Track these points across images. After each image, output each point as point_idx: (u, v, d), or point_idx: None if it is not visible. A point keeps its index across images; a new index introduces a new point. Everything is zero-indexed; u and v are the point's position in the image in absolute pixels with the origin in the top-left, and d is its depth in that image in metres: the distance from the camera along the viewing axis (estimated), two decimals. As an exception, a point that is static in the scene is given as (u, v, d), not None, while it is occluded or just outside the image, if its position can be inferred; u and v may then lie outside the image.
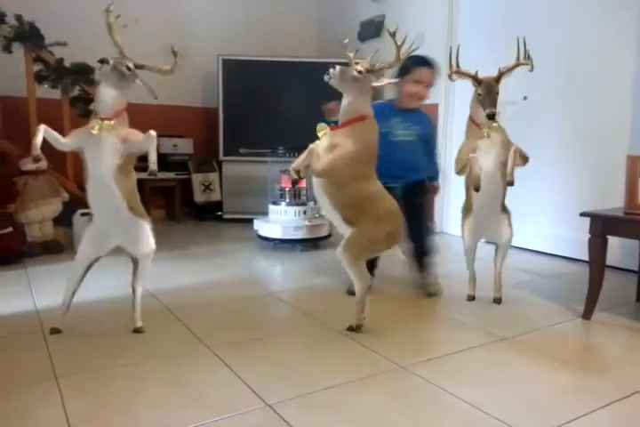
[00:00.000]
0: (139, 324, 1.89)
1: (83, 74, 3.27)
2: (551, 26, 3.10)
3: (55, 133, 1.73)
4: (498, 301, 2.23)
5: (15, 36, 3.07)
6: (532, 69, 1.95)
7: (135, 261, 1.86)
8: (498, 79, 1.96)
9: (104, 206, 1.79)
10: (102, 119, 1.71)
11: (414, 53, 2.09)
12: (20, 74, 3.18)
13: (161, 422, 1.31)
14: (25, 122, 3.20)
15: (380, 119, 2.20)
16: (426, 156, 2.43)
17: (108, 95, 1.74)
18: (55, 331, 1.87)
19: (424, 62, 2.30)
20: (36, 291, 2.36)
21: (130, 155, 1.76)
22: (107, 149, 1.71)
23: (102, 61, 1.71)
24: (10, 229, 2.86)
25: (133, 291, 1.88)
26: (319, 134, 1.80)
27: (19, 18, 3.07)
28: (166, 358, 1.69)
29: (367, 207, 1.80)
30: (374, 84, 1.81)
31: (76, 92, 3.41)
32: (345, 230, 1.85)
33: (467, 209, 2.17)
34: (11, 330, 1.92)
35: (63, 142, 1.74)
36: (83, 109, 3.33)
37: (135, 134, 1.76)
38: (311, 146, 1.78)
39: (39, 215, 3.05)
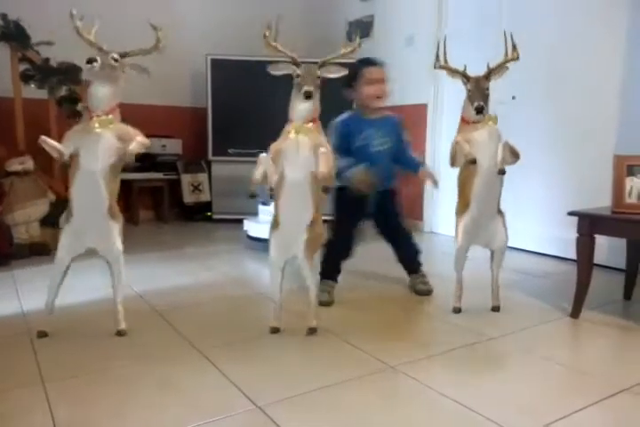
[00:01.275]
0: (121, 326, 1.87)
1: (69, 74, 3.23)
2: (539, 25, 3.12)
3: (54, 142, 1.72)
4: (496, 309, 2.16)
5: (0, 36, 3.03)
6: (517, 57, 1.94)
7: (109, 264, 1.86)
8: (487, 76, 1.95)
9: (87, 204, 1.78)
10: (98, 116, 1.72)
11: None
12: (6, 74, 3.14)
13: (150, 425, 1.30)
14: (11, 122, 3.17)
15: (355, 132, 2.22)
16: (403, 156, 2.35)
17: (102, 93, 1.75)
18: (43, 334, 1.85)
19: (368, 62, 2.29)
20: (22, 293, 2.33)
21: (123, 154, 1.76)
22: (104, 145, 1.72)
23: (90, 61, 1.70)
24: (-4, 230, 2.83)
25: (114, 293, 1.88)
26: (295, 131, 1.74)
27: (4, 17, 3.04)
28: (155, 360, 1.68)
29: (319, 207, 1.82)
30: (331, 75, 1.77)
31: (63, 92, 3.37)
32: (302, 235, 1.80)
33: (462, 209, 2.08)
34: (-3, 333, 1.90)
35: (64, 152, 1.73)
36: (70, 109, 3.30)
37: (130, 134, 1.77)
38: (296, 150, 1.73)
39: (26, 216, 3.02)
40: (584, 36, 2.97)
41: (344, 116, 2.29)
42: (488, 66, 1.96)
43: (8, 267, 2.79)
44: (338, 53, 1.79)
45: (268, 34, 1.74)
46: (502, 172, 1.92)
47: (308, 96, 1.70)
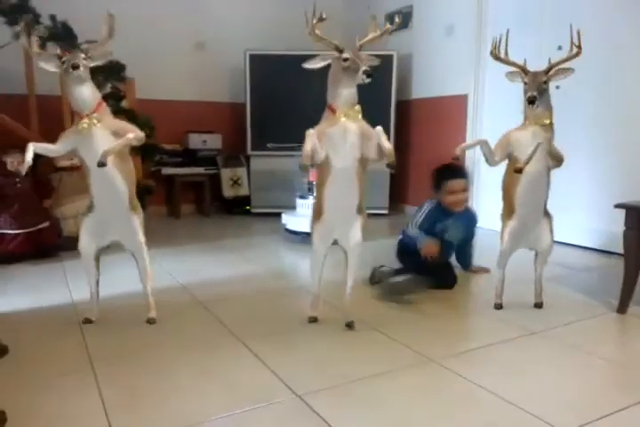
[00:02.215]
0: (150, 314, 1.94)
1: (114, 71, 3.33)
2: (584, 12, 3.01)
3: (43, 145, 1.77)
4: (539, 305, 2.10)
5: (49, 36, 3.14)
6: (579, 54, 1.88)
7: (134, 257, 1.92)
8: (547, 71, 1.88)
9: (107, 197, 1.83)
10: (87, 116, 1.74)
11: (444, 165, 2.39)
12: (55, 73, 3.25)
13: (193, 412, 1.34)
14: (59, 119, 3.29)
15: (437, 219, 2.44)
16: (463, 250, 2.62)
17: (87, 94, 1.76)
18: (87, 321, 1.93)
19: (453, 175, 2.42)
20: (72, 284, 2.43)
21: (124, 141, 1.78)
22: (100, 143, 1.74)
23: (76, 66, 1.71)
24: (46, 223, 2.95)
25: (142, 284, 1.95)
26: (344, 115, 1.72)
27: (52, 18, 3.15)
28: (198, 349, 1.73)
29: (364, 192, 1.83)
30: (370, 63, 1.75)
31: (108, 89, 3.47)
32: (352, 221, 1.83)
33: (508, 213, 2.02)
34: (48, 321, 1.99)
35: (53, 149, 1.79)
36: (115, 106, 3.39)
37: (124, 129, 1.79)
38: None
39: (74, 210, 3.12)
40: (634, 22, 2.85)
41: (430, 203, 2.47)
42: (549, 61, 1.90)
43: (58, 258, 2.91)
44: (374, 35, 1.78)
45: (313, 22, 1.71)
46: (517, 170, 1.83)
47: (369, 75, 1.68)
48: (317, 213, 1.86)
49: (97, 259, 1.92)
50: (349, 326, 1.88)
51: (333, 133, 1.72)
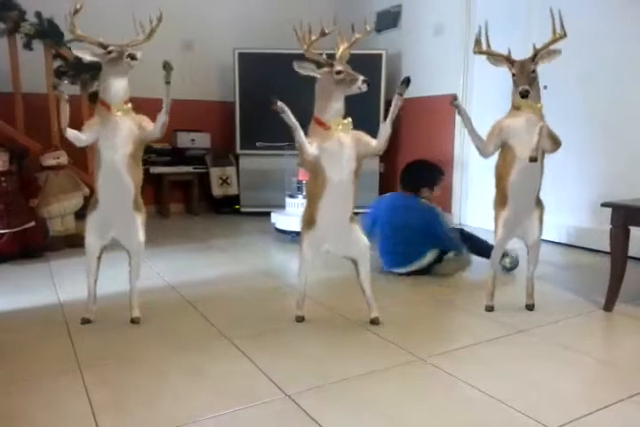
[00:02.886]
0: (134, 314, 1.93)
1: (101, 69, 3.29)
2: (572, 11, 3.02)
3: (75, 132, 1.77)
4: (530, 307, 2.07)
5: (35, 34, 3.11)
6: (564, 36, 1.86)
7: (130, 255, 1.90)
8: (533, 58, 1.87)
9: (113, 194, 1.82)
10: (117, 106, 1.76)
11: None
12: (41, 70, 3.22)
13: (183, 413, 1.33)
14: (45, 118, 3.25)
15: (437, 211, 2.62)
16: None
17: (124, 86, 1.78)
18: (86, 321, 1.92)
19: (443, 171, 2.75)
20: (58, 284, 2.41)
21: (141, 142, 1.81)
22: (123, 135, 1.75)
23: (135, 57, 1.73)
24: (32, 223, 2.92)
25: (131, 283, 1.93)
26: (340, 126, 1.75)
27: (38, 15, 3.11)
28: (187, 349, 1.72)
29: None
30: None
31: (94, 87, 3.44)
32: (347, 229, 1.85)
33: (501, 202, 1.99)
34: (35, 322, 1.97)
35: (84, 140, 1.78)
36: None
37: (147, 121, 1.82)
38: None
39: (61, 210, 3.10)
40: (620, 21, 2.87)
41: (425, 200, 2.64)
42: (534, 47, 1.89)
43: (44, 258, 2.88)
44: (344, 47, 1.81)
45: (305, 44, 1.72)
46: (533, 159, 1.78)
47: (368, 84, 1.70)
48: (309, 222, 1.86)
49: (99, 258, 1.90)
50: (373, 322, 1.92)
51: (330, 148, 1.74)
